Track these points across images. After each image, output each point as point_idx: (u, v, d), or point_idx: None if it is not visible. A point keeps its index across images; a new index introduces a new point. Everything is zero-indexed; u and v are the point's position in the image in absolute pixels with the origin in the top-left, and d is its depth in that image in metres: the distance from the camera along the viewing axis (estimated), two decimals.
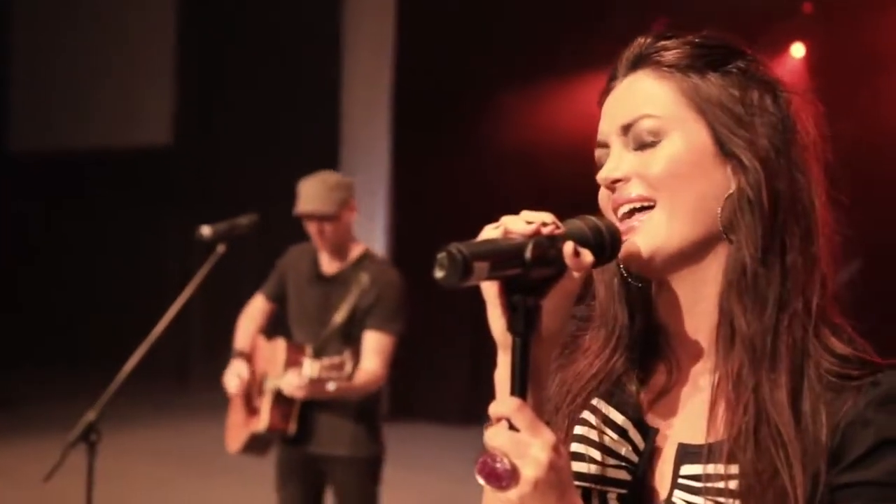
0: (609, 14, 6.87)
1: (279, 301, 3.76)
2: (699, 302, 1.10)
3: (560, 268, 1.00)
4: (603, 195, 1.12)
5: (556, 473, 0.94)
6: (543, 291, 1.01)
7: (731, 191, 1.06)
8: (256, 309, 3.78)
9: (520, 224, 1.00)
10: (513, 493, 0.93)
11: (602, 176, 1.10)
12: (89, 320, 10.85)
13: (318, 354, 3.45)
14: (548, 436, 0.95)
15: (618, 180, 1.09)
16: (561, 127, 7.34)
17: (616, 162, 1.10)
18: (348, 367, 3.35)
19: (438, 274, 0.93)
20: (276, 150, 9.28)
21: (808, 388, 1.03)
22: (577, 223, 1.04)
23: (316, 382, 3.30)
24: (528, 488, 0.92)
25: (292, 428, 3.51)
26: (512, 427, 0.95)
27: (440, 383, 8.40)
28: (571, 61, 7.19)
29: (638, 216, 1.08)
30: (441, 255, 0.93)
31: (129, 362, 2.97)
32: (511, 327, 0.99)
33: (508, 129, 7.92)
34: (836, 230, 1.10)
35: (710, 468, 1.03)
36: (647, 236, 1.07)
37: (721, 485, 1.02)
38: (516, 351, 0.98)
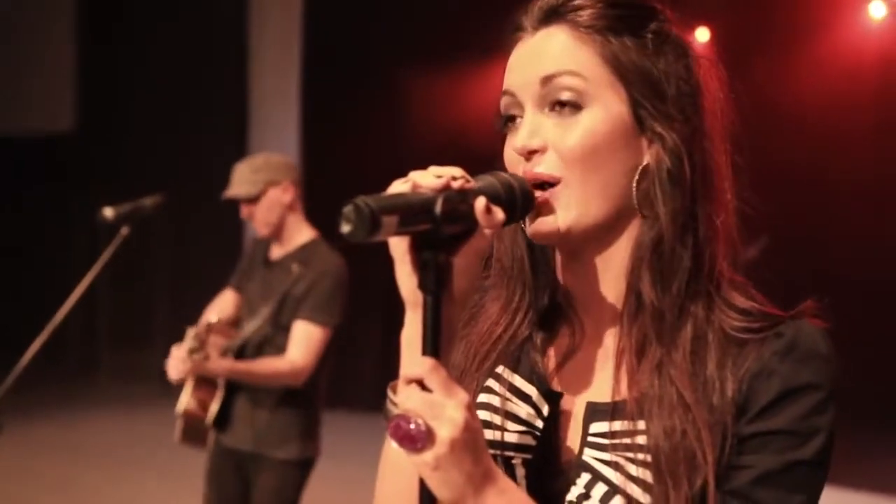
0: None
1: (241, 288, 3.64)
2: (607, 270, 1.09)
3: (470, 224, 0.98)
4: (511, 157, 1.09)
5: (472, 434, 0.92)
6: (454, 249, 0.98)
7: (644, 163, 1.06)
8: (223, 298, 3.67)
9: (429, 178, 0.97)
10: (428, 455, 0.90)
11: (519, 145, 1.07)
12: None
13: (248, 343, 3.38)
14: (462, 395, 0.93)
15: (535, 150, 1.06)
16: (472, 108, 7.34)
17: (533, 127, 1.07)
18: (190, 336, 3.26)
19: (345, 228, 0.90)
20: (183, 133, 9.11)
21: (712, 348, 1.03)
22: (488, 178, 1.01)
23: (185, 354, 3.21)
24: (445, 449, 0.90)
25: (210, 416, 3.39)
26: (424, 388, 0.92)
27: (349, 370, 8.34)
28: (485, 41, 7.17)
29: (550, 191, 1.06)
30: (347, 209, 0.89)
31: (30, 350, 2.85)
32: (422, 285, 0.96)
33: (420, 110, 7.90)
34: (739, 194, 1.11)
35: (617, 425, 1.04)
36: (559, 213, 1.05)
37: (628, 440, 1.02)
38: (427, 309, 0.95)
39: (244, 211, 3.47)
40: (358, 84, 8.05)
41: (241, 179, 3.43)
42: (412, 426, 0.90)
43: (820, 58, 6.73)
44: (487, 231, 0.99)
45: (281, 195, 3.42)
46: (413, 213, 0.93)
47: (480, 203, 0.97)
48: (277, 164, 3.49)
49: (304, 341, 3.31)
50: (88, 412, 8.37)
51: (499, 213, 0.99)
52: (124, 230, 3.08)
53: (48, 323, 2.90)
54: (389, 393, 0.99)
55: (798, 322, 1.04)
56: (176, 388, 3.46)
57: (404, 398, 0.92)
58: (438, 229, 0.94)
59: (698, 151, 1.06)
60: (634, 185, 1.05)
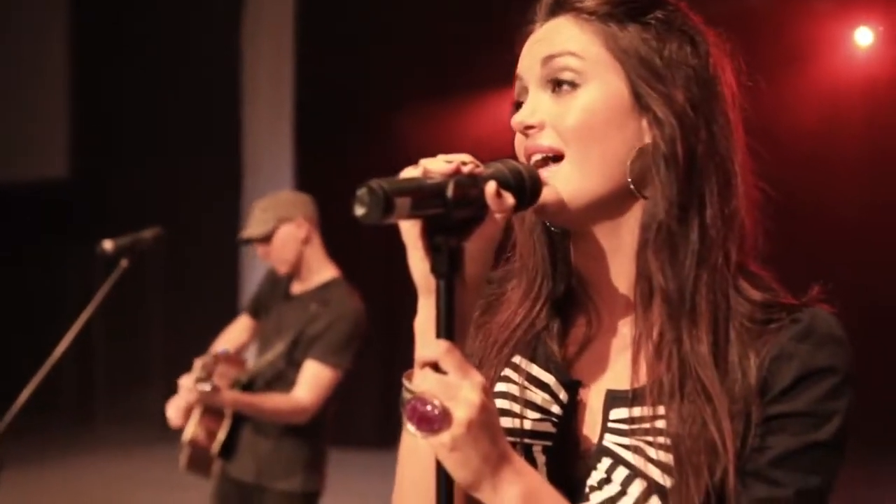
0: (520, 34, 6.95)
1: (259, 316, 3.62)
2: (617, 252, 1.10)
3: (481, 209, 0.99)
4: (518, 140, 1.11)
5: (488, 415, 0.92)
6: (465, 233, 0.99)
7: (643, 143, 1.06)
8: (238, 325, 3.66)
9: (439, 164, 0.98)
10: (445, 436, 0.90)
11: (517, 120, 1.10)
12: None
13: (258, 376, 3.38)
14: (477, 377, 0.93)
15: (531, 126, 1.08)
16: (467, 146, 7.37)
17: (533, 105, 1.09)
18: (197, 367, 3.24)
19: (359, 211, 0.90)
20: (177, 177, 9.13)
21: (733, 337, 1.04)
22: (497, 165, 1.03)
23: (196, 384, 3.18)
24: (462, 429, 0.90)
25: (216, 446, 3.37)
26: (439, 370, 0.93)
27: (349, 407, 8.29)
28: (480, 81, 7.25)
29: (551, 166, 1.07)
30: (361, 191, 0.90)
31: (24, 393, 2.81)
32: (435, 269, 0.96)
33: (414, 149, 7.90)
34: (755, 181, 1.11)
35: (637, 411, 1.04)
36: (560, 185, 1.06)
37: (648, 425, 1.02)
38: (441, 293, 0.96)
39: (260, 251, 3.45)
40: (351, 125, 8.10)
41: (254, 220, 3.43)
42: (428, 408, 0.91)
43: (807, 85, 6.80)
44: (498, 216, 0.99)
45: (294, 231, 3.40)
46: (425, 196, 0.94)
47: (491, 187, 0.98)
48: (288, 201, 3.49)
49: (313, 382, 3.28)
50: (86, 458, 8.29)
51: (509, 198, 1.00)
52: (123, 262, 3.07)
53: (43, 366, 2.87)
54: (404, 381, 0.99)
55: (813, 309, 1.05)
56: (175, 432, 3.43)
57: (420, 381, 0.92)
58: (450, 213, 0.95)
59: (705, 135, 1.06)
60: (629, 164, 1.06)
